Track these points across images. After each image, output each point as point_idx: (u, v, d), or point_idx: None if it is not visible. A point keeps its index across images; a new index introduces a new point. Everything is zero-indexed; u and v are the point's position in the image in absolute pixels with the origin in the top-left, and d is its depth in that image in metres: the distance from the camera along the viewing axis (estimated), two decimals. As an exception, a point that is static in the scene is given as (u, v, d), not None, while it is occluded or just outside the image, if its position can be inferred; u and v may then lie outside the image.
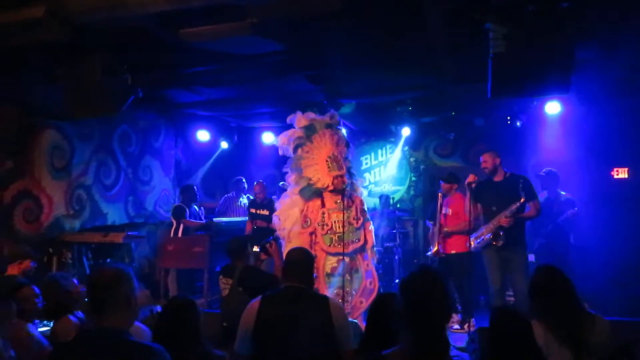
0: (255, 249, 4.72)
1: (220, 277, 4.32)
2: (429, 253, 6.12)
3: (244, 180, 7.91)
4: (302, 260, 3.06)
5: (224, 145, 8.58)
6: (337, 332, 2.77)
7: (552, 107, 6.69)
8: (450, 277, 5.94)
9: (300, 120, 5.46)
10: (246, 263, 4.25)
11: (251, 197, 7.52)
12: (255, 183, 7.37)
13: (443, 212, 5.82)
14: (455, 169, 8.20)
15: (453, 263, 5.69)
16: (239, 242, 4.41)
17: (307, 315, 2.77)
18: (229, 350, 2.89)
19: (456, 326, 5.56)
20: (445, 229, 5.73)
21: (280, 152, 5.58)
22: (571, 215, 6.15)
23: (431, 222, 6.36)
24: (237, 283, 4.02)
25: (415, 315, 1.94)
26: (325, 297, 3.03)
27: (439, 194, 5.92)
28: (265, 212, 6.83)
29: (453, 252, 5.69)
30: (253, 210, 7.07)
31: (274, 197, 7.04)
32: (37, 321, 3.34)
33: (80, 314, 3.29)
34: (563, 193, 6.45)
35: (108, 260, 6.28)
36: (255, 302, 2.91)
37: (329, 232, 5.08)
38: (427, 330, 1.92)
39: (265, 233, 6.04)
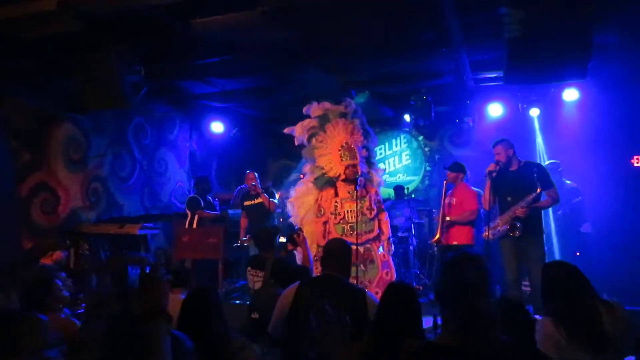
0: (282, 239, 4.68)
1: (249, 269, 4.27)
2: (430, 241, 6.07)
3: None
4: (340, 250, 3.08)
5: (239, 136, 8.58)
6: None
7: (570, 94, 6.56)
8: None
9: (315, 110, 5.46)
10: (275, 254, 4.21)
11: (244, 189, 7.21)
12: (248, 172, 6.98)
13: (447, 201, 5.75)
14: (470, 158, 8.13)
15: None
16: (267, 234, 4.35)
17: (342, 305, 2.77)
18: (259, 343, 2.89)
19: None
20: (447, 218, 5.66)
21: (297, 142, 5.57)
22: (575, 205, 6.06)
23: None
24: (270, 275, 3.96)
25: (454, 297, 1.85)
26: (363, 290, 3.04)
27: (444, 182, 5.86)
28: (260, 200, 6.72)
29: (455, 243, 5.62)
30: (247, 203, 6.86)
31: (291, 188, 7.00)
32: None
33: (67, 310, 3.32)
34: (568, 182, 6.34)
35: (125, 251, 6.35)
36: (293, 287, 2.97)
37: (341, 221, 5.07)
38: (466, 312, 1.81)
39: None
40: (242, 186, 7.86)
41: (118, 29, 4.43)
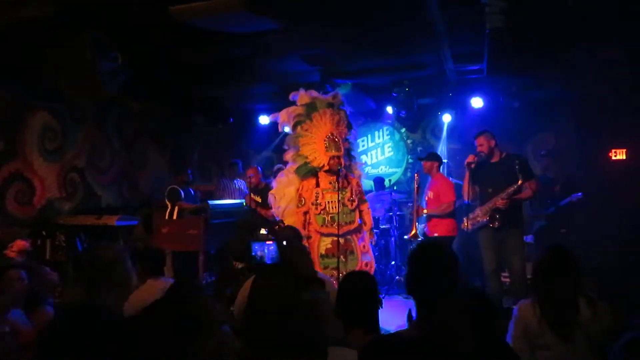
0: (263, 231, 4.66)
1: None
2: (406, 237, 6.08)
3: (239, 162, 7.86)
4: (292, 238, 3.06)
5: (220, 127, 8.48)
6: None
7: (550, 86, 6.59)
8: None
9: (302, 97, 5.41)
10: None
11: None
12: (248, 168, 7.30)
13: (425, 195, 5.79)
14: (453, 150, 8.16)
15: None
16: (248, 225, 4.34)
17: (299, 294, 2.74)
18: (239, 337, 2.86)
19: None
20: (424, 211, 5.68)
21: (280, 129, 5.53)
22: (576, 200, 6.09)
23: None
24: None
25: (420, 287, 1.81)
26: (322, 280, 3.02)
27: (415, 175, 5.88)
28: (258, 199, 6.80)
29: (435, 234, 5.65)
30: (250, 194, 7.04)
31: (270, 179, 6.99)
32: None
33: (51, 301, 3.25)
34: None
35: (102, 243, 6.24)
36: (250, 279, 2.92)
37: (322, 212, 5.05)
38: (432, 302, 1.77)
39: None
40: (223, 179, 7.83)
41: (95, 15, 4.32)
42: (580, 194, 6.11)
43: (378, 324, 2.58)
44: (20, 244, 4.31)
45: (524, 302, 2.61)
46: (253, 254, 2.16)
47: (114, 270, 2.02)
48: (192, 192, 7.22)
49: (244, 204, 6.91)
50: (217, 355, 1.36)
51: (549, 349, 2.46)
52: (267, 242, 2.19)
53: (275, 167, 7.73)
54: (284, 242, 2.07)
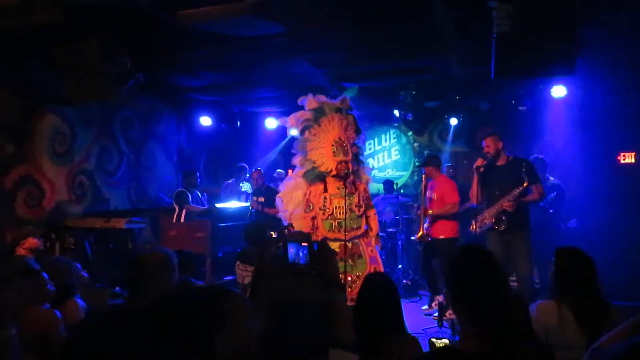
0: (272, 234, 4.69)
1: (238, 263, 4.26)
2: (414, 237, 6.09)
3: (246, 166, 7.91)
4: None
5: (227, 130, 8.53)
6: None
7: (558, 90, 6.57)
8: (434, 261, 5.95)
9: (310, 102, 5.43)
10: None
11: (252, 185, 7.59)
12: (253, 170, 7.41)
13: (428, 196, 5.81)
14: (459, 153, 8.15)
15: (439, 248, 5.69)
16: (257, 228, 4.35)
17: (298, 294, 2.74)
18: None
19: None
20: (430, 212, 5.71)
21: (289, 133, 5.55)
22: (551, 201, 6.09)
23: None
24: None
25: (470, 298, 1.65)
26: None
27: (423, 176, 5.90)
28: (261, 199, 6.85)
29: (441, 237, 5.67)
30: (254, 198, 7.11)
31: (277, 182, 7.03)
32: None
33: (78, 297, 3.25)
34: (552, 179, 6.38)
35: (111, 245, 6.29)
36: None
37: (329, 217, 5.05)
38: (485, 315, 1.61)
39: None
40: (228, 182, 7.89)
41: (104, 20, 4.36)
42: (554, 193, 6.12)
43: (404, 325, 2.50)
44: (32, 241, 4.36)
45: (542, 303, 2.57)
46: (289, 256, 2.17)
47: (159, 274, 2.03)
48: (200, 195, 7.26)
49: (250, 207, 6.95)
50: (237, 353, 1.35)
51: (569, 349, 2.44)
52: (303, 244, 2.20)
53: (275, 173, 7.82)
54: (315, 245, 2.09)
